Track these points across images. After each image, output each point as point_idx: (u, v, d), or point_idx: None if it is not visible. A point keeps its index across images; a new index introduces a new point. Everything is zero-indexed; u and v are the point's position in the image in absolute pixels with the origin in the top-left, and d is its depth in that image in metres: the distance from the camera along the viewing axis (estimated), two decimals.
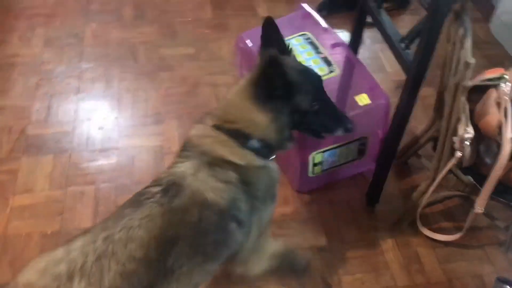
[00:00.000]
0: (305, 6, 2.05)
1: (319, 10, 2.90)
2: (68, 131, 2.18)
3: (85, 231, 1.08)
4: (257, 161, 1.23)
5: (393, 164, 2.08)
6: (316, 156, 1.78)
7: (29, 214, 1.86)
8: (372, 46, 2.77)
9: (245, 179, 1.20)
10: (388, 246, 1.85)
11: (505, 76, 1.51)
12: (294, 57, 1.33)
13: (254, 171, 1.22)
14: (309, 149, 1.76)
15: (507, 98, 1.46)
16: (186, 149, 1.22)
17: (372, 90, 1.74)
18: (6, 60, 2.51)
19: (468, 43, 1.46)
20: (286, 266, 1.42)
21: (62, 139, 2.15)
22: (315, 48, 1.88)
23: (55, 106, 2.29)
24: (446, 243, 1.84)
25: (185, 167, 1.17)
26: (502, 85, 1.49)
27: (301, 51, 1.87)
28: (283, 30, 1.92)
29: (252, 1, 3.00)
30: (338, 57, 1.85)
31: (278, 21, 2.01)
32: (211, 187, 1.15)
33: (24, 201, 1.90)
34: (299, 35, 1.93)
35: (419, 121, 2.24)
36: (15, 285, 1.02)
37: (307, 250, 1.81)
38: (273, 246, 1.39)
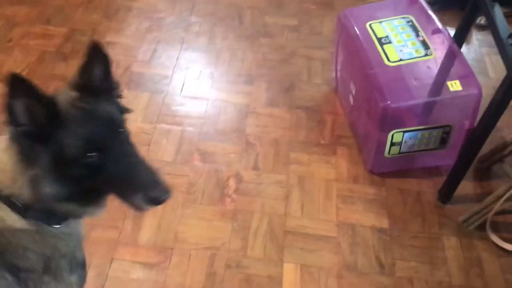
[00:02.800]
0: None
1: (431, 4, 2.82)
2: (167, 75, 2.35)
3: None
4: (18, 222, 0.93)
5: (475, 166, 2.03)
6: (396, 135, 1.78)
7: None
8: (479, 49, 2.67)
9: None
10: (451, 244, 1.81)
11: None
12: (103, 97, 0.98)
13: (12, 235, 0.93)
14: (388, 126, 1.76)
15: None
16: None
17: (466, 78, 1.71)
18: (125, 3, 2.73)
19: None
20: None
21: (160, 81, 2.32)
22: (415, 31, 1.88)
23: (160, 50, 2.47)
24: None
25: None
26: None
27: (400, 31, 1.87)
28: (387, 11, 1.95)
29: None
30: (437, 42, 1.83)
31: (384, 3, 2.04)
32: None
33: None
34: (402, 17, 1.93)
35: None
36: None
37: (366, 228, 1.83)
38: None
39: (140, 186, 0.92)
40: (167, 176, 1.89)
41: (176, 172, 1.95)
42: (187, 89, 2.30)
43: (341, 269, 1.72)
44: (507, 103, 1.58)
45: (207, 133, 2.12)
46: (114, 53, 2.43)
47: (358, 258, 1.76)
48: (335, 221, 1.85)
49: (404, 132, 1.78)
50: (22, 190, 0.91)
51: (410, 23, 1.90)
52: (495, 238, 1.79)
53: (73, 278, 1.06)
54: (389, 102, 1.69)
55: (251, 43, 2.57)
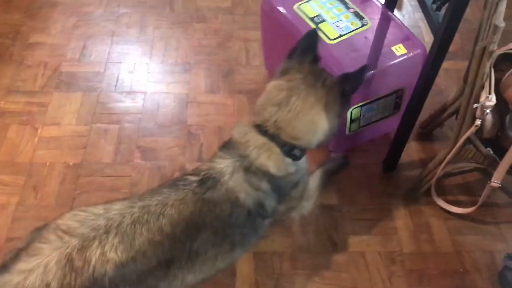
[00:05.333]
0: None
1: None
2: (99, 72, 2.25)
3: (124, 199, 1.21)
4: (292, 168, 1.31)
5: (417, 133, 2.06)
6: (354, 111, 1.77)
7: (54, 145, 1.95)
8: (413, 15, 2.68)
9: (278, 185, 1.30)
10: (400, 213, 1.84)
11: None
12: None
13: (287, 178, 1.32)
14: None
15: None
16: (230, 146, 1.31)
17: (408, 40, 1.73)
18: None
19: (502, 6, 1.40)
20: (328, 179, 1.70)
21: (93, 78, 2.22)
22: (344, 3, 1.84)
23: (90, 47, 2.36)
24: (459, 216, 1.81)
25: (224, 166, 1.26)
26: None
27: (330, 7, 1.83)
28: None
29: None
30: (369, 10, 1.82)
31: None
32: (244, 190, 1.25)
33: (51, 132, 1.99)
34: None
35: (451, 93, 2.18)
36: (56, 226, 1.10)
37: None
38: (313, 184, 1.58)
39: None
40: (108, 178, 1.86)
41: (117, 173, 1.87)
42: (121, 84, 2.21)
43: (294, 251, 1.71)
44: (438, 67, 1.58)
45: (146, 128, 2.05)
46: (40, 54, 2.31)
47: (310, 238, 1.75)
48: None
49: (361, 106, 1.77)
50: (319, 140, 1.30)
51: None
52: (441, 202, 1.82)
53: (305, 180, 1.46)
54: None
55: (185, 29, 2.49)
